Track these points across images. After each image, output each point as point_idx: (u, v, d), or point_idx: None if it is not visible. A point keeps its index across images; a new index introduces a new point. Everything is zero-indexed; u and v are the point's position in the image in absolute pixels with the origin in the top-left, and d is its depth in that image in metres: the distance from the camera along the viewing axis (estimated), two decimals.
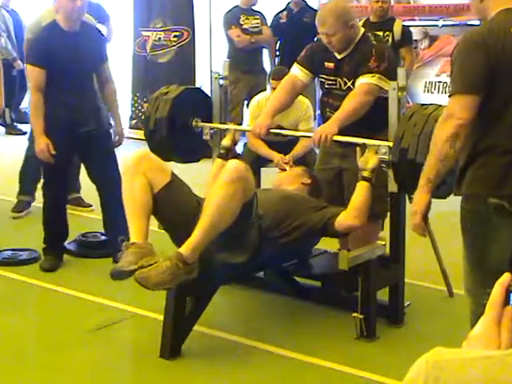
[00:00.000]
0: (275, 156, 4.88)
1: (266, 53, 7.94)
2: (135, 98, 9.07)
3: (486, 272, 2.70)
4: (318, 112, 4.44)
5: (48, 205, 4.77)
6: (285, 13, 7.81)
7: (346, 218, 3.67)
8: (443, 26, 8.19)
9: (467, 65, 2.67)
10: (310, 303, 4.14)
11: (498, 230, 2.71)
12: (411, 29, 7.34)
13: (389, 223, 3.91)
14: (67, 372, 3.46)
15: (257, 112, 4.78)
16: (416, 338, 3.71)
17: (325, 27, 3.86)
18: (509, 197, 2.68)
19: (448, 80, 7.55)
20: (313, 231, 3.75)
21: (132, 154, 3.72)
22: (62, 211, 4.86)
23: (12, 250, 4.98)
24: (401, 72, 3.77)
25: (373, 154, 3.66)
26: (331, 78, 3.97)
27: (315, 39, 4.08)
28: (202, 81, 8.41)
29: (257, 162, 5.02)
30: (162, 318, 3.58)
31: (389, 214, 3.90)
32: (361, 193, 3.68)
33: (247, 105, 6.48)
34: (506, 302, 0.93)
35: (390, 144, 3.59)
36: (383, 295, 3.89)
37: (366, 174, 3.67)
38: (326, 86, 4.02)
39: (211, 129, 4.31)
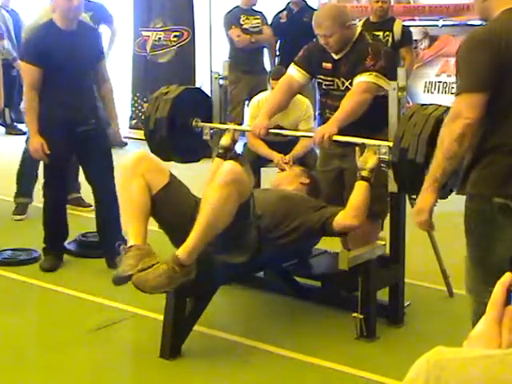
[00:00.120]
0: (275, 156, 4.88)
1: (266, 53, 7.95)
2: (135, 98, 9.08)
3: (488, 271, 2.70)
4: (318, 112, 4.45)
5: (48, 205, 4.77)
6: (285, 13, 7.82)
7: (345, 217, 3.67)
8: (443, 26, 8.19)
9: (473, 63, 2.67)
10: (310, 303, 4.14)
11: (503, 229, 2.71)
12: (411, 29, 7.35)
13: (389, 223, 3.91)
14: (67, 372, 3.46)
15: (257, 112, 4.78)
16: (416, 338, 3.71)
17: (322, 29, 3.87)
18: None
19: (448, 80, 7.50)
20: (312, 231, 3.75)
21: (130, 155, 3.72)
22: (62, 211, 4.86)
23: (12, 249, 4.98)
24: (401, 72, 3.77)
25: (372, 154, 3.66)
26: (329, 78, 3.98)
27: (314, 39, 4.09)
28: (202, 81, 8.41)
29: (257, 162, 5.02)
30: (162, 318, 3.58)
31: (389, 214, 3.90)
32: (359, 192, 3.68)
33: (248, 105, 6.48)
34: (507, 302, 0.93)
35: (390, 144, 3.59)
36: (383, 295, 3.89)
37: (364, 173, 3.67)
38: (324, 87, 4.03)
39: (211, 129, 4.31)
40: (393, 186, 3.70)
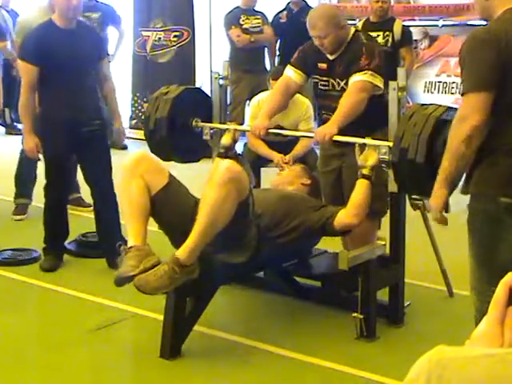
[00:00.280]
0: (275, 156, 4.89)
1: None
2: (135, 98, 9.08)
3: (493, 270, 2.70)
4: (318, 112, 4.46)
5: (49, 205, 4.77)
6: (285, 13, 7.82)
7: (345, 215, 3.68)
8: (443, 26, 8.19)
9: (476, 62, 2.67)
10: (310, 303, 4.14)
11: (508, 229, 2.71)
12: (411, 29, 7.34)
13: (389, 223, 3.91)
14: (67, 372, 3.46)
15: (257, 112, 4.78)
16: (416, 338, 3.71)
17: (316, 30, 3.89)
18: None
19: (448, 80, 7.50)
20: (312, 231, 3.76)
21: (129, 156, 3.73)
22: (63, 211, 4.86)
23: (12, 249, 4.98)
24: (401, 72, 3.78)
25: (372, 152, 3.67)
26: (324, 78, 3.99)
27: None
28: (202, 81, 8.41)
29: (257, 162, 5.02)
30: (162, 318, 3.58)
31: (389, 213, 3.91)
32: (360, 190, 3.68)
33: (249, 104, 6.48)
34: (509, 302, 0.94)
35: (390, 144, 3.59)
36: (383, 295, 3.89)
37: (365, 171, 3.68)
38: (320, 87, 4.04)
39: (211, 129, 4.31)
40: (393, 186, 3.71)
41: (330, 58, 3.96)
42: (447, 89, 8.13)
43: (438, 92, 8.22)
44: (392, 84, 3.70)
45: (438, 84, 8.25)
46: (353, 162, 3.80)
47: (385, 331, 3.80)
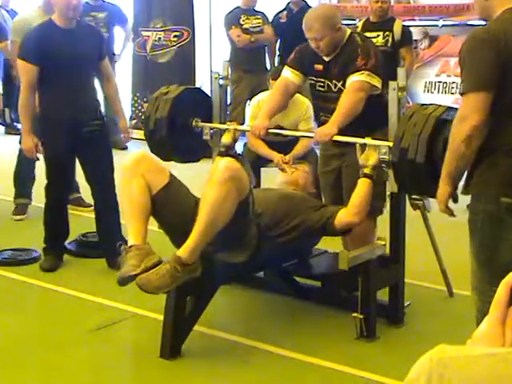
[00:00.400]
0: (275, 156, 4.88)
1: None
2: (135, 98, 9.08)
3: (494, 270, 2.70)
4: None
5: (50, 205, 4.77)
6: (285, 13, 7.82)
7: (346, 214, 3.69)
8: (443, 26, 8.19)
9: (476, 62, 2.67)
10: (310, 303, 4.14)
11: (510, 228, 2.71)
12: (411, 29, 7.34)
13: (389, 223, 3.91)
14: (67, 372, 3.46)
15: (257, 112, 4.78)
16: (416, 338, 3.71)
17: (312, 32, 3.89)
18: None
19: (448, 80, 7.49)
20: (312, 230, 3.76)
21: (130, 155, 3.73)
22: (64, 211, 4.86)
23: (12, 250, 4.98)
24: (401, 72, 3.78)
25: (373, 151, 3.67)
26: (321, 79, 4.00)
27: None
28: (202, 81, 8.41)
29: (257, 162, 5.02)
30: (162, 318, 3.58)
31: (389, 213, 3.91)
32: (362, 189, 3.69)
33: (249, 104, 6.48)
34: (510, 302, 0.94)
35: (390, 144, 3.59)
36: (383, 295, 3.89)
37: (367, 171, 3.69)
38: (318, 88, 4.04)
39: (211, 129, 4.31)
40: (393, 186, 3.71)
41: (326, 59, 3.97)
42: (447, 89, 8.13)
43: (438, 92, 8.22)
44: (392, 84, 3.70)
45: (437, 84, 8.25)
46: (353, 161, 3.81)
47: (385, 331, 3.80)
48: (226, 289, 3.99)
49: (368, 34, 6.58)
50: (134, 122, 8.98)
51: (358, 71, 3.80)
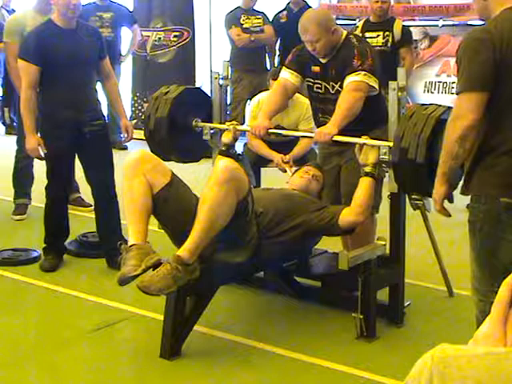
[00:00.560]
0: (275, 156, 4.88)
1: None
2: (135, 98, 9.08)
3: (494, 271, 2.70)
4: None
5: (50, 205, 4.76)
6: (285, 12, 7.83)
7: (350, 214, 3.70)
8: (443, 26, 8.19)
9: (472, 62, 2.67)
10: (310, 303, 4.14)
11: (509, 229, 2.71)
12: (411, 29, 7.34)
13: (389, 223, 3.91)
14: (67, 372, 3.46)
15: (257, 111, 4.78)
16: (416, 338, 3.71)
17: (308, 35, 3.90)
18: None
19: (448, 80, 7.49)
20: (314, 230, 3.77)
21: (131, 154, 3.72)
22: (64, 211, 4.86)
23: (12, 250, 4.98)
24: (401, 72, 3.78)
25: (372, 149, 3.68)
26: (318, 81, 4.01)
27: None
28: (202, 81, 8.41)
29: (257, 162, 5.02)
30: (162, 318, 3.58)
31: (389, 213, 3.91)
32: (364, 188, 3.70)
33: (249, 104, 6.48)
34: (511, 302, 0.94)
35: (390, 144, 3.59)
36: (383, 295, 3.89)
37: (368, 169, 3.70)
38: (315, 90, 4.05)
39: (211, 129, 4.31)
40: (393, 186, 3.71)
41: (323, 61, 3.99)
42: (447, 89, 8.13)
43: (438, 92, 8.22)
44: (392, 84, 3.70)
45: (437, 84, 8.24)
46: (352, 157, 3.83)
47: (385, 331, 3.80)
48: (226, 289, 3.99)
49: (368, 34, 6.61)
50: (134, 122, 8.98)
51: (354, 72, 3.81)
